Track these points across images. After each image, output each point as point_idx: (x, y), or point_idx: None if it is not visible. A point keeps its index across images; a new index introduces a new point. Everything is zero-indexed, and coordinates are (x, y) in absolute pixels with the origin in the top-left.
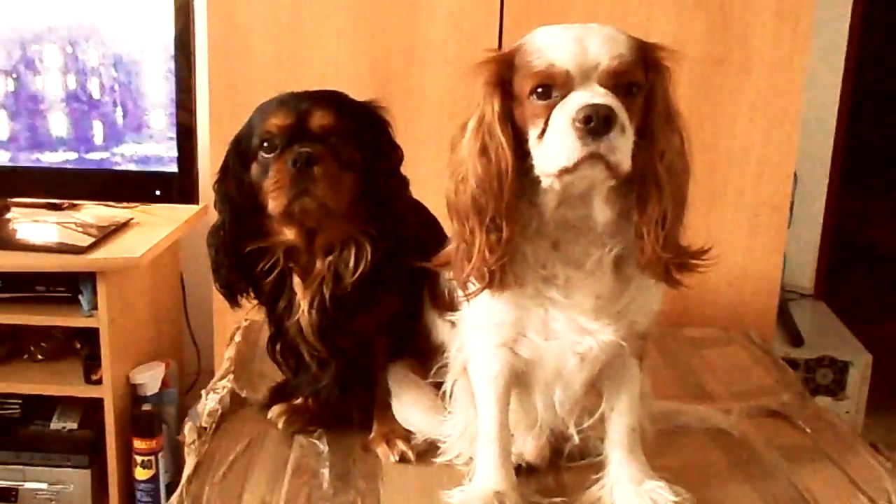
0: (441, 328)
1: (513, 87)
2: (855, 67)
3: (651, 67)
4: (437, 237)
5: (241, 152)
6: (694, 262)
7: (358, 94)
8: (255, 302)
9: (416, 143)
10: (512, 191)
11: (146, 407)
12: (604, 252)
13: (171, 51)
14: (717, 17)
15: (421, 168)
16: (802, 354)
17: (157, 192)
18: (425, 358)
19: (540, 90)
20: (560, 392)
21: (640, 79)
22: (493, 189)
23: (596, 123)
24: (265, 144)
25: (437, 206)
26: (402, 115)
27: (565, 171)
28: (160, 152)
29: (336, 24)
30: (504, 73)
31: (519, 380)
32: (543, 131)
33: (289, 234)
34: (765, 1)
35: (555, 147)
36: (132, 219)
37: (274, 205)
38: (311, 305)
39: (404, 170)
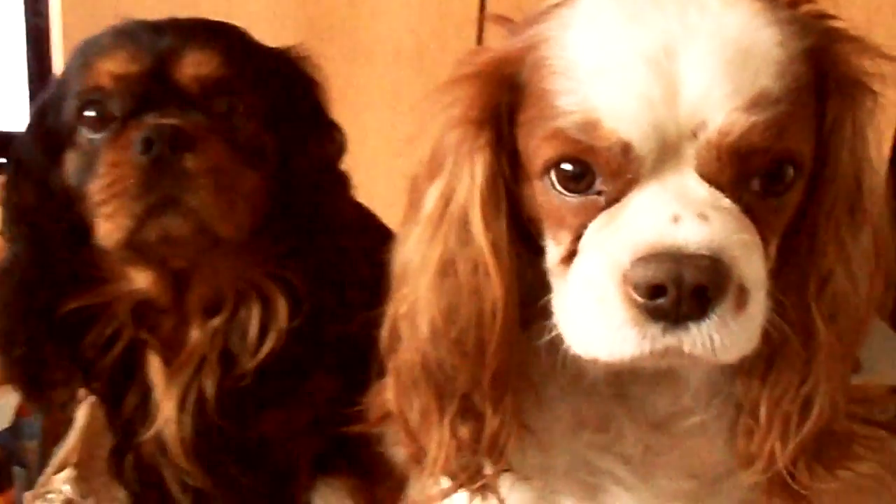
0: None
1: (516, 129)
2: None
3: (834, 91)
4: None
5: (46, 132)
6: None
7: (273, 38)
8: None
9: (356, 113)
10: (505, 348)
11: None
12: (707, 415)
13: None
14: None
15: (366, 149)
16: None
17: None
18: (373, 481)
19: (568, 169)
20: None
21: (803, 148)
22: (462, 347)
23: (673, 301)
24: (90, 113)
25: (387, 204)
26: (340, 69)
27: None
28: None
29: None
30: (500, 99)
31: None
32: (571, 255)
33: (140, 279)
34: None
35: (586, 314)
36: None
37: (108, 228)
38: (181, 406)
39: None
